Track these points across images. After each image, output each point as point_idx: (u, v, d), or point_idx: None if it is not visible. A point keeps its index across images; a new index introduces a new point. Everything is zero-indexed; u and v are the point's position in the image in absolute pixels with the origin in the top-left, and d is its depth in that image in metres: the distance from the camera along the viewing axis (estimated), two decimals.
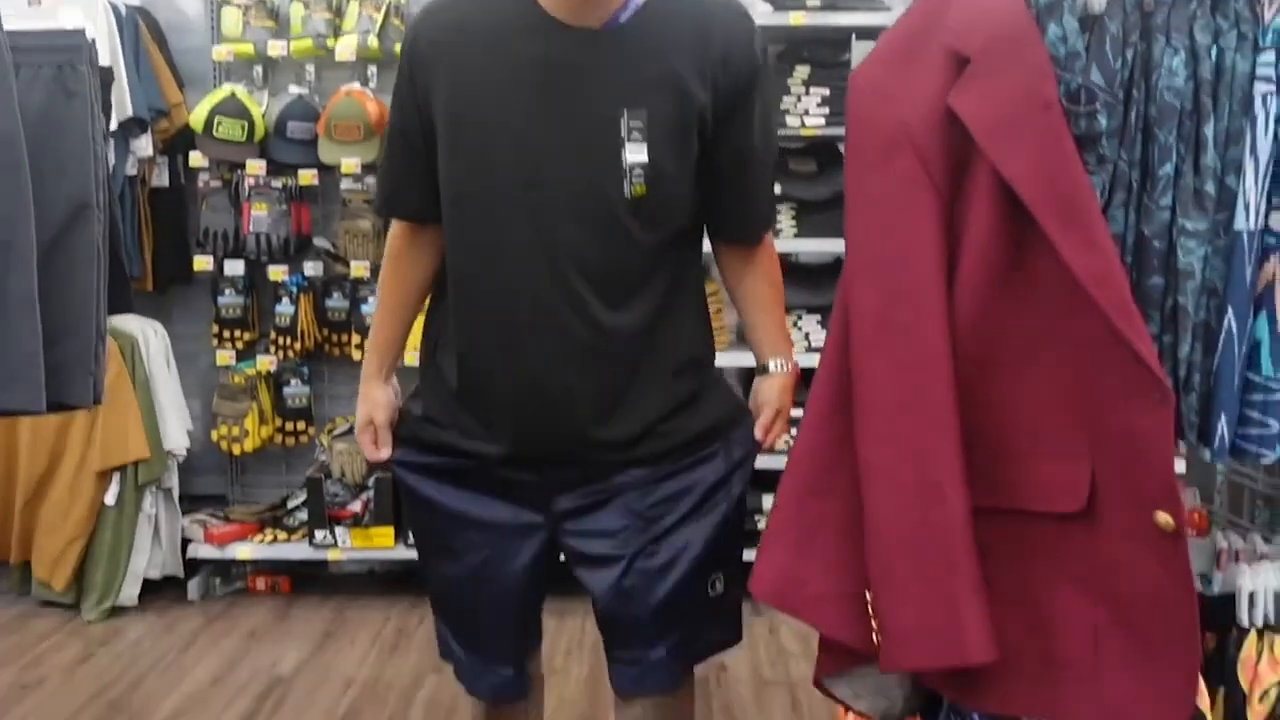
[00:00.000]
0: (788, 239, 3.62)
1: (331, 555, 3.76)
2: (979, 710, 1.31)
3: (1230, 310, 1.19)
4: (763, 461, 3.64)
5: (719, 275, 1.93)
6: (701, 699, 3.07)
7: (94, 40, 1.99)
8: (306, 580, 4.02)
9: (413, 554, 3.67)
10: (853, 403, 1.31)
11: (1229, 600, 1.31)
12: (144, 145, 3.65)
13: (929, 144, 1.27)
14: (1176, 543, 1.13)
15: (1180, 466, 1.73)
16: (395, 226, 1.85)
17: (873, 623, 1.33)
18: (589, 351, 1.69)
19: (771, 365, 1.88)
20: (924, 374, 1.26)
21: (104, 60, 3.49)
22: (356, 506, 3.72)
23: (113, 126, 3.47)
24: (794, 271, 3.81)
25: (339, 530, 3.72)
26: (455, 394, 1.79)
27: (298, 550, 3.79)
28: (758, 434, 1.86)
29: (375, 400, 1.87)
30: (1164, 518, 1.13)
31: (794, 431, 1.54)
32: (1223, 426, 1.21)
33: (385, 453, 1.85)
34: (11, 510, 3.69)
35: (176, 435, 3.70)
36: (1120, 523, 1.17)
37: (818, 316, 3.66)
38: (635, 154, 1.62)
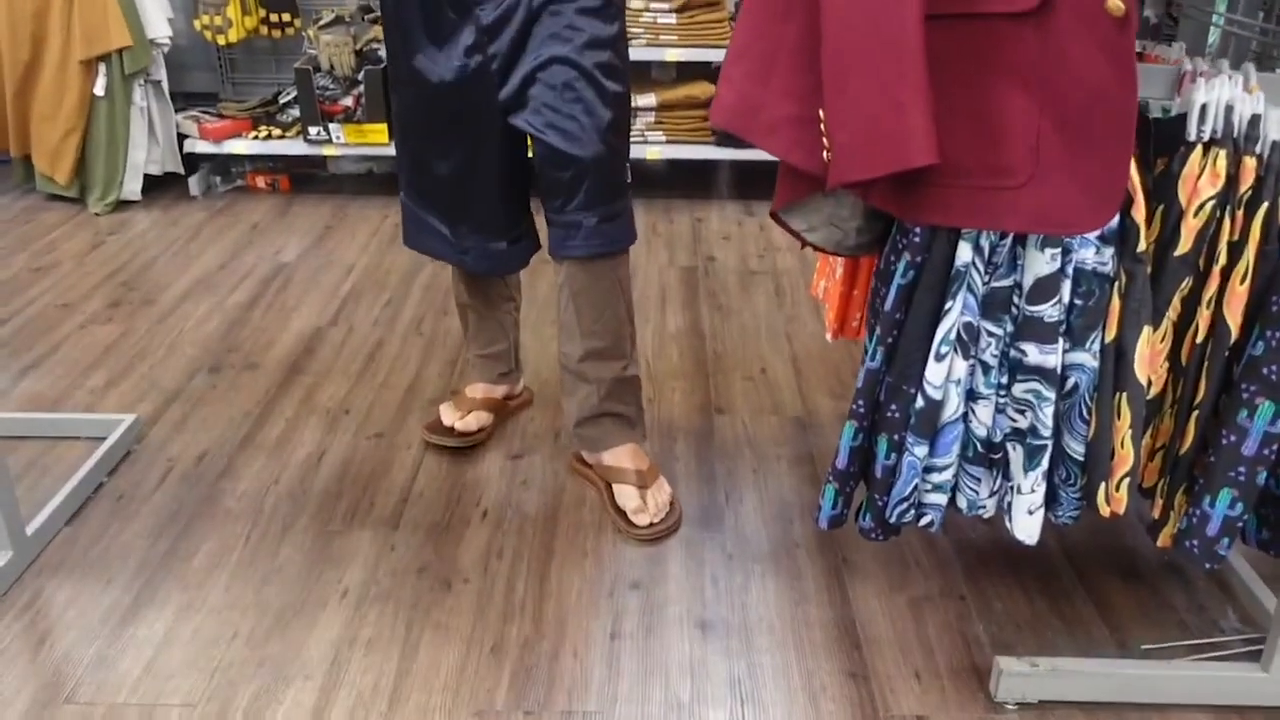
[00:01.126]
0: None
1: (327, 151, 3.77)
2: (920, 222, 1.35)
3: None
4: None
5: None
6: (689, 285, 3.21)
7: None
8: (306, 179, 4.07)
9: None
10: None
11: (1183, 121, 1.31)
12: None
13: None
14: (1124, 30, 1.10)
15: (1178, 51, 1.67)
16: None
17: (824, 141, 1.33)
18: None
19: None
20: None
21: None
22: (348, 101, 3.68)
23: None
24: None
25: (333, 127, 3.70)
26: None
27: (293, 147, 3.79)
28: None
29: None
30: (1114, 2, 1.09)
31: None
32: None
33: None
34: (3, 101, 3.67)
35: (158, 23, 3.60)
36: (1072, 15, 1.13)
37: None
38: None
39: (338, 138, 3.70)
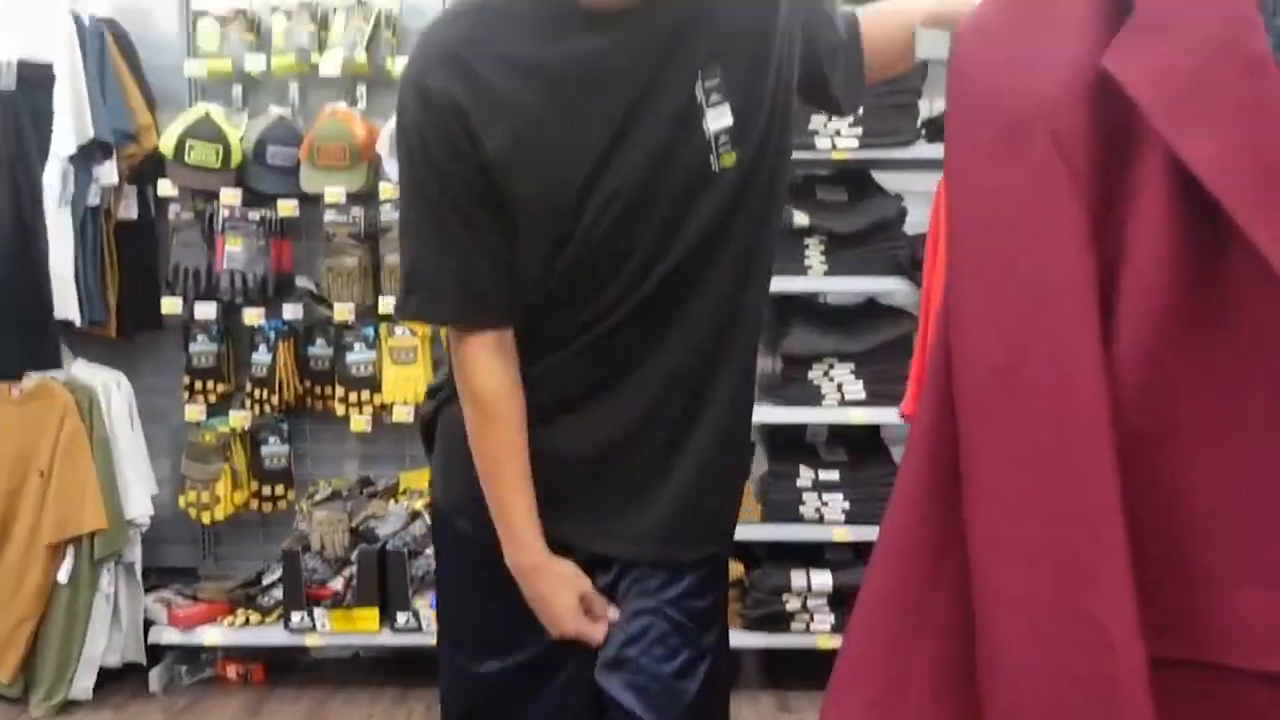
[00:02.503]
0: (816, 276, 3.23)
1: (309, 641, 3.32)
2: None
3: None
4: (789, 532, 3.27)
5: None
6: None
7: None
8: (282, 667, 3.58)
9: (400, 639, 3.29)
10: (964, 501, 0.91)
11: None
12: (108, 172, 3.24)
13: (1071, 124, 0.88)
14: None
15: None
16: (483, 352, 1.45)
17: None
18: None
19: None
20: (1073, 456, 0.86)
21: (63, 77, 3.15)
22: (338, 584, 3.30)
23: (71, 150, 3.14)
24: (823, 315, 3.43)
25: (318, 612, 3.29)
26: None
27: (272, 635, 3.35)
28: None
29: (568, 571, 1.52)
30: None
31: None
32: None
33: (615, 613, 1.51)
34: None
35: (139, 502, 3.31)
36: None
37: (851, 365, 3.24)
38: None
39: (322, 625, 3.28)
